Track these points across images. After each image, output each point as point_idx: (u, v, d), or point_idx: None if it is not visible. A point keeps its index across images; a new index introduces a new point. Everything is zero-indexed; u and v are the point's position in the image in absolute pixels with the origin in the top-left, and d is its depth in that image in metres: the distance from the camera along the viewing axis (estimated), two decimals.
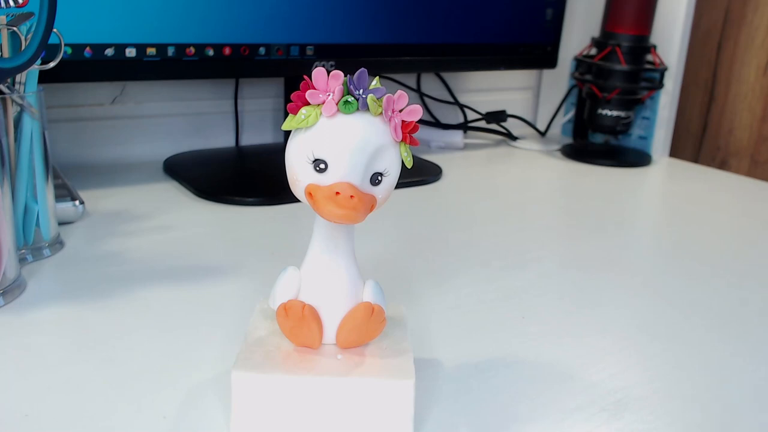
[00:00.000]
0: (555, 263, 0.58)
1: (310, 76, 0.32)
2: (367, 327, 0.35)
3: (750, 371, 0.43)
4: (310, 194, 0.32)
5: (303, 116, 0.32)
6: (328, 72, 0.32)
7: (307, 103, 0.32)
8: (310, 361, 0.34)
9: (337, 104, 0.32)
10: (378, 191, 0.33)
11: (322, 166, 0.32)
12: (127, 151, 0.81)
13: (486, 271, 0.55)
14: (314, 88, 0.32)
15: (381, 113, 0.32)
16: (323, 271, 0.35)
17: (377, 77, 0.33)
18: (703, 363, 0.44)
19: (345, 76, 0.32)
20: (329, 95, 0.32)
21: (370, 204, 0.32)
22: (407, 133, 0.33)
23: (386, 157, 0.32)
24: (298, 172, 0.33)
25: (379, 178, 0.33)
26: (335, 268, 0.35)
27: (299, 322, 0.34)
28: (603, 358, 0.43)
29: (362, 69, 0.32)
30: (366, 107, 0.32)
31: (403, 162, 0.33)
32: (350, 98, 0.32)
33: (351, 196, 0.31)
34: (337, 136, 0.32)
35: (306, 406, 0.33)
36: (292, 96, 0.32)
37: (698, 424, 0.37)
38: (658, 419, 0.37)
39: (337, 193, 0.31)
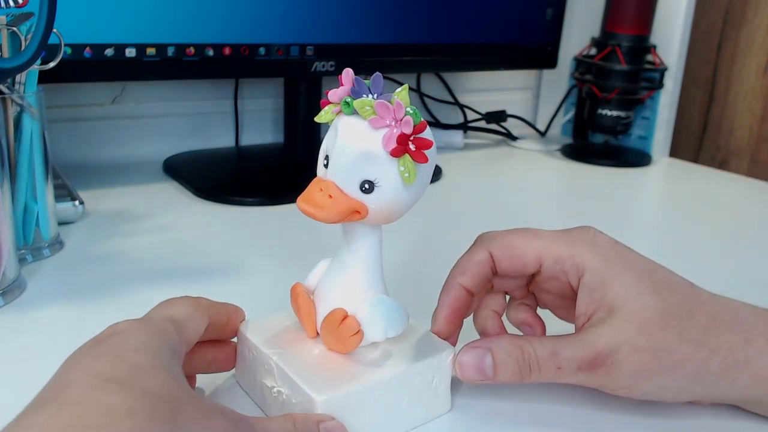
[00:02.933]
0: None
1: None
2: (336, 334, 0.34)
3: None
4: None
5: (323, 112, 0.33)
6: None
7: (329, 102, 0.34)
8: (293, 344, 0.36)
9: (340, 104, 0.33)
10: (369, 200, 0.32)
11: (325, 162, 0.33)
12: (127, 151, 0.81)
13: None
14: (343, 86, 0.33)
15: (370, 119, 0.31)
16: (335, 269, 0.35)
17: (406, 85, 0.32)
18: None
19: (356, 78, 0.32)
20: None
21: (351, 210, 0.32)
22: (403, 145, 0.31)
23: (377, 166, 0.31)
24: (319, 163, 0.34)
25: (367, 186, 0.32)
26: (346, 268, 0.35)
27: (294, 307, 0.36)
28: None
29: (377, 73, 0.32)
30: (355, 111, 0.32)
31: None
32: (348, 99, 0.32)
33: (330, 196, 0.32)
34: (334, 135, 0.33)
35: (267, 378, 0.35)
36: (326, 92, 0.34)
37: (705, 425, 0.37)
38: (665, 417, 0.37)
39: (321, 189, 0.32)
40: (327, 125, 0.34)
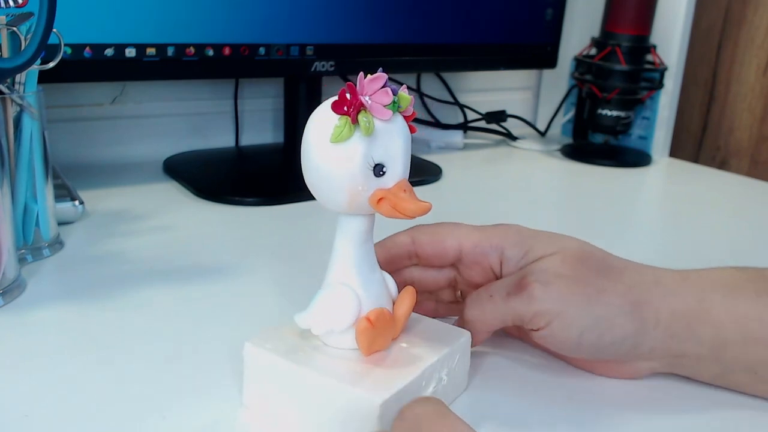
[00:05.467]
0: None
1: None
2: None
3: None
4: (380, 200, 0.32)
5: (366, 123, 0.31)
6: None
7: (359, 110, 0.31)
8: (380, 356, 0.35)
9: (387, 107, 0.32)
10: None
11: (383, 171, 0.32)
12: (127, 151, 0.81)
13: None
14: (360, 94, 0.31)
15: (403, 111, 0.33)
16: (369, 277, 0.35)
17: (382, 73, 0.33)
18: None
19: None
20: (367, 99, 0.31)
21: None
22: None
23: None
24: (360, 181, 0.32)
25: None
26: (375, 271, 0.36)
27: (388, 328, 0.35)
28: None
29: (380, 70, 0.32)
30: (401, 106, 0.33)
31: None
32: (396, 98, 0.32)
33: (404, 190, 0.33)
34: (395, 137, 0.32)
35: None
36: (335, 106, 0.31)
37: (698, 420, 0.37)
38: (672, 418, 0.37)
39: (404, 190, 0.32)
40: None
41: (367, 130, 0.31)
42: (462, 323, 0.40)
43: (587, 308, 0.36)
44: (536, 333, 0.38)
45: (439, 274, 0.43)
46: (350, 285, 0.34)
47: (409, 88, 0.33)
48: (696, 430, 0.37)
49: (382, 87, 0.31)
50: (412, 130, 0.34)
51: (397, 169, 0.33)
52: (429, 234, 0.42)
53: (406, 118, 0.34)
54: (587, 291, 0.37)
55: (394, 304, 0.36)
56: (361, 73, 0.31)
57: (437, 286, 0.44)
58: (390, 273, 0.40)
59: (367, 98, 0.31)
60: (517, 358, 0.43)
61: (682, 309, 0.37)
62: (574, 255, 0.38)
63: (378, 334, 0.34)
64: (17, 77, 0.50)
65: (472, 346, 0.38)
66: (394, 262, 0.42)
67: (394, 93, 0.32)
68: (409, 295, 0.36)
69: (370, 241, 0.35)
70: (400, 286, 0.40)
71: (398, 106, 0.32)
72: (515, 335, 0.44)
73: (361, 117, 0.31)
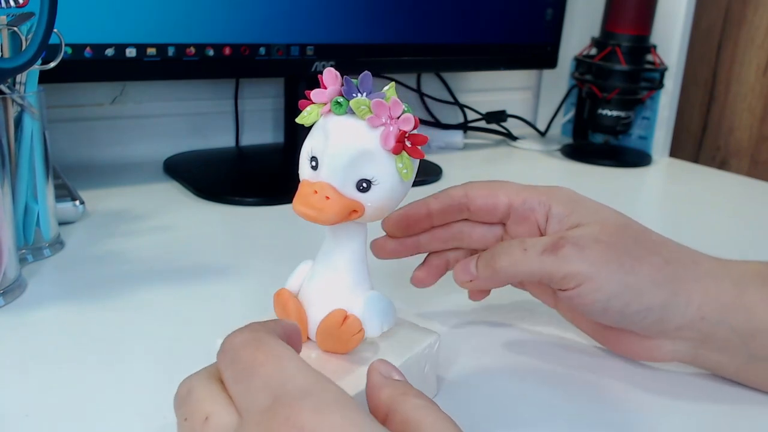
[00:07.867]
0: None
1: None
2: (338, 335, 0.34)
3: None
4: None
5: (306, 113, 0.33)
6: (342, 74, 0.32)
7: (312, 102, 0.33)
8: None
9: (329, 104, 0.32)
10: (366, 199, 0.32)
11: (314, 163, 0.33)
12: (127, 151, 0.81)
13: None
14: (324, 88, 0.32)
15: (367, 118, 0.31)
16: (323, 269, 0.35)
17: (392, 83, 0.32)
18: None
19: (342, 76, 0.32)
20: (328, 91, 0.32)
21: (349, 209, 0.32)
22: (401, 142, 0.31)
23: (375, 164, 0.31)
24: (301, 165, 0.34)
25: (365, 185, 0.32)
26: (334, 268, 0.34)
27: (282, 312, 0.35)
28: (604, 359, 0.43)
29: (366, 72, 0.32)
30: (348, 110, 0.32)
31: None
32: (340, 99, 0.32)
33: (326, 197, 0.31)
34: (324, 135, 0.32)
35: None
36: (306, 93, 0.33)
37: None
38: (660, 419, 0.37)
39: (315, 191, 0.32)
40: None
41: (300, 119, 0.33)
42: (484, 268, 0.39)
43: (619, 274, 0.37)
44: (564, 293, 0.38)
45: (488, 232, 0.44)
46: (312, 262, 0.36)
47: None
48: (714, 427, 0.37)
49: (339, 85, 0.32)
50: (415, 154, 0.32)
51: (323, 169, 0.32)
52: (482, 188, 0.43)
53: (402, 136, 0.31)
54: (622, 259, 0.37)
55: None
56: (328, 69, 0.32)
57: (484, 244, 0.44)
58: (442, 226, 0.42)
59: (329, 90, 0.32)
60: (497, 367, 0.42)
61: (716, 293, 0.37)
62: (614, 225, 0.39)
63: (279, 313, 0.35)
64: (18, 77, 0.50)
65: (486, 295, 0.42)
66: (446, 213, 0.43)
67: (346, 94, 0.31)
68: (329, 318, 0.34)
69: (343, 238, 0.34)
70: (450, 241, 0.43)
71: (344, 109, 0.32)
72: (536, 292, 0.44)
73: (306, 108, 0.33)
